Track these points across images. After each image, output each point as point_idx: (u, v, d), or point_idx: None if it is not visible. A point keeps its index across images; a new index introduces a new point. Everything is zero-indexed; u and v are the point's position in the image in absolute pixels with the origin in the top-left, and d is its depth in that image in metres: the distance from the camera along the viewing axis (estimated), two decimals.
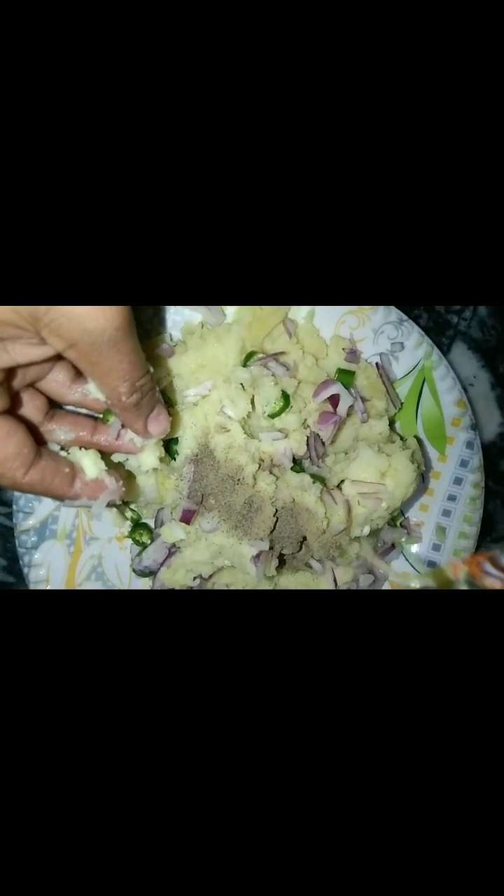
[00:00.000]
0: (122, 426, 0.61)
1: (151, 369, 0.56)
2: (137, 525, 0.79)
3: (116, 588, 0.80)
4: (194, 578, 0.73)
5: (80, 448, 0.62)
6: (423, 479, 0.79)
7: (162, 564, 0.75)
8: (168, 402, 0.71)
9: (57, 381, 0.60)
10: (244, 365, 0.72)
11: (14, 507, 0.76)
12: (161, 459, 0.65)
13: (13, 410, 0.57)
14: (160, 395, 0.61)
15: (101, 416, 0.65)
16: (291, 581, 0.76)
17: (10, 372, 0.55)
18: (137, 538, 0.78)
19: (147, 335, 0.76)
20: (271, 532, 0.68)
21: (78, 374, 0.62)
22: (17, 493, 0.76)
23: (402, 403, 0.80)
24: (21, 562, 0.77)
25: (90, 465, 0.60)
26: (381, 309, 0.77)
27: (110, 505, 0.63)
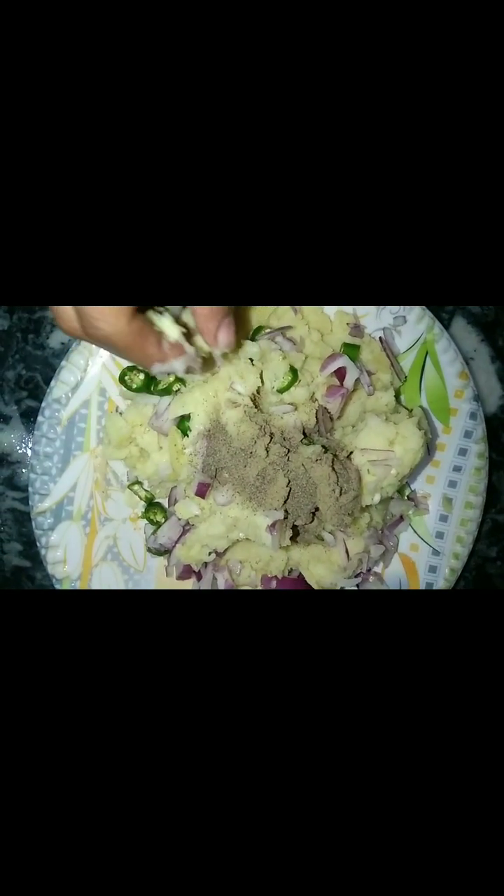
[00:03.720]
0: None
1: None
2: (151, 505, 0.80)
3: (132, 567, 0.81)
4: (209, 553, 0.74)
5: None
6: (428, 450, 0.80)
7: (177, 542, 0.77)
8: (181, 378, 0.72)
9: None
10: (252, 339, 0.73)
11: (30, 489, 0.78)
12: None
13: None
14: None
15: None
16: (304, 554, 0.78)
17: None
18: (151, 517, 0.80)
19: None
20: (284, 502, 0.69)
21: None
22: (32, 476, 0.78)
23: (405, 376, 0.81)
24: (38, 543, 0.78)
25: (170, 326, 0.61)
26: None
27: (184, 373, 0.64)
